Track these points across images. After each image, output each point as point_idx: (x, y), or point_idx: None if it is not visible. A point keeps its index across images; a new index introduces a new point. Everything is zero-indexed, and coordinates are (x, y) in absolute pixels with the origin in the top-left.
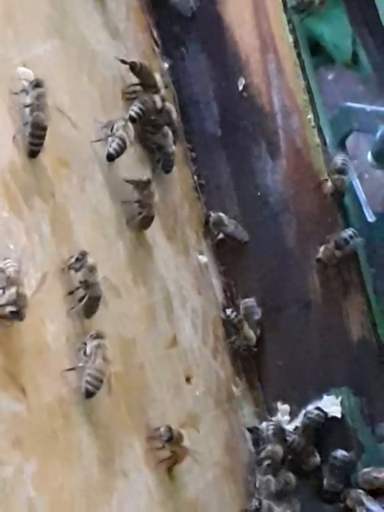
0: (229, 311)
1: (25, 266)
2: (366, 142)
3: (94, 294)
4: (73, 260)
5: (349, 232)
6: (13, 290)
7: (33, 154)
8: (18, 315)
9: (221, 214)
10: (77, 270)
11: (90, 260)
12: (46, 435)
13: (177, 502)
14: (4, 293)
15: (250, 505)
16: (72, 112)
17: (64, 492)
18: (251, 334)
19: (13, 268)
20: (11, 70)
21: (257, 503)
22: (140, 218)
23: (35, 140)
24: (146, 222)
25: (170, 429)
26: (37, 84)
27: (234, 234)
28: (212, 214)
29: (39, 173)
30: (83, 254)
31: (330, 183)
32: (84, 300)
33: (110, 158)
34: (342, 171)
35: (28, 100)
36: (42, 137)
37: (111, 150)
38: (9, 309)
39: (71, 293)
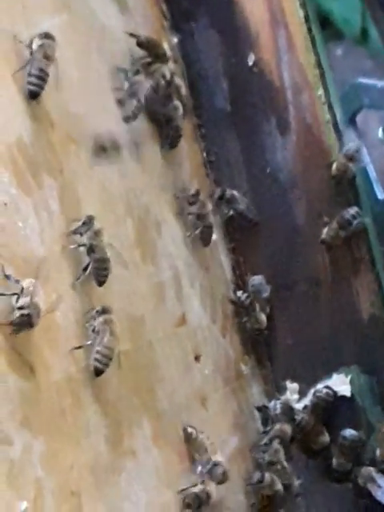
0: (239, 293)
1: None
2: (375, 117)
3: (99, 255)
4: (79, 224)
5: (351, 211)
6: (27, 298)
7: (32, 94)
8: (28, 319)
9: (234, 192)
10: (82, 235)
11: (96, 224)
12: (54, 414)
13: (185, 482)
14: (18, 299)
15: (253, 477)
16: (80, 87)
17: (72, 471)
18: (263, 317)
19: (29, 281)
20: (20, 46)
21: (259, 476)
22: (200, 231)
23: (36, 80)
24: (207, 234)
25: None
26: (46, 35)
27: (246, 213)
28: (227, 191)
29: (47, 149)
30: (90, 219)
31: (335, 166)
32: (88, 269)
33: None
34: (352, 159)
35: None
36: (43, 79)
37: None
38: (21, 312)
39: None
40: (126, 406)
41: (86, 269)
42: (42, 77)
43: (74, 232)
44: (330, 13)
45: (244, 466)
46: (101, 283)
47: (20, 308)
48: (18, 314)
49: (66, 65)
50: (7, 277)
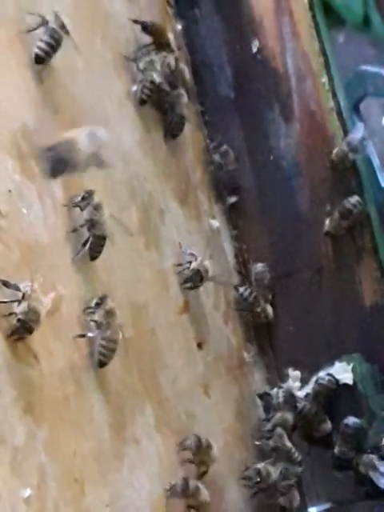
0: (242, 289)
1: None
2: (377, 105)
3: (98, 232)
4: (79, 198)
5: (352, 200)
6: (25, 303)
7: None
8: (25, 325)
9: (230, 151)
10: (82, 209)
11: (95, 198)
12: (57, 401)
13: (187, 469)
14: (18, 305)
15: (248, 473)
16: (85, 73)
17: (75, 458)
18: (269, 309)
19: (29, 288)
20: (24, 32)
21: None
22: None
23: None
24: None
25: (199, 439)
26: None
27: (232, 173)
28: (224, 145)
29: (52, 135)
30: (89, 193)
31: (335, 152)
32: (88, 243)
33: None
34: (355, 150)
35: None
36: (53, 47)
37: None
38: (19, 317)
39: (75, 230)
40: (129, 393)
41: (85, 244)
42: (53, 45)
43: (74, 205)
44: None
45: (246, 454)
46: (93, 258)
47: (18, 316)
48: (16, 321)
49: (70, 51)
50: (5, 284)
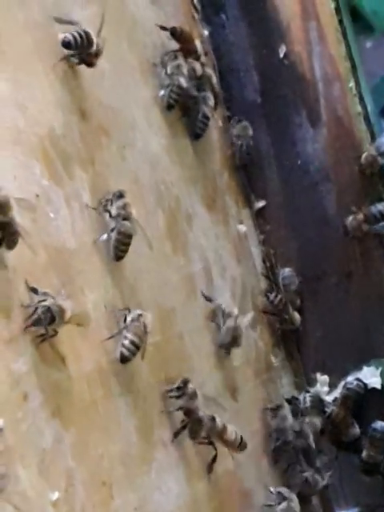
0: (271, 295)
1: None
2: None
3: (124, 229)
4: (109, 198)
5: (379, 207)
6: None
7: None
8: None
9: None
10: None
11: (125, 199)
12: (85, 405)
13: (215, 473)
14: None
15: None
16: (112, 78)
17: (103, 462)
18: (297, 316)
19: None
20: (51, 37)
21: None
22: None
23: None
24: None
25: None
26: None
27: (246, 148)
28: (244, 121)
29: (79, 140)
30: (121, 193)
31: (364, 156)
32: (113, 240)
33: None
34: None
35: None
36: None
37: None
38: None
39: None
40: (156, 397)
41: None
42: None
43: (103, 206)
44: (359, 5)
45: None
46: (118, 258)
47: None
48: (41, 311)
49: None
50: (34, 291)
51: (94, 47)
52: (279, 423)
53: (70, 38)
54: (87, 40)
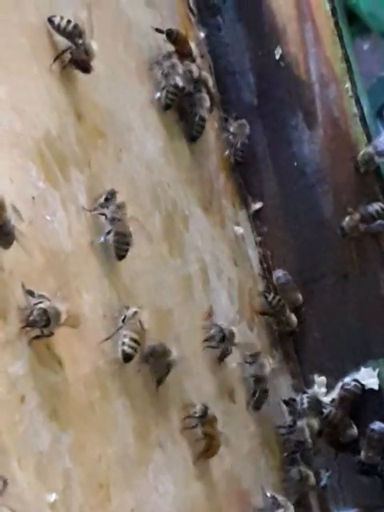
0: (270, 297)
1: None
2: None
3: (121, 229)
4: (102, 199)
5: (376, 206)
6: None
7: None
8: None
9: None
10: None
11: (119, 199)
12: (82, 407)
13: (213, 474)
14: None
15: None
16: (107, 81)
17: (100, 463)
18: (293, 318)
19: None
20: (47, 39)
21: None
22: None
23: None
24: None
25: (205, 407)
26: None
27: (240, 147)
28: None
29: (75, 143)
30: (112, 193)
31: (361, 154)
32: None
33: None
34: (381, 154)
35: None
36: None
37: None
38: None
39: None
40: (153, 399)
41: (108, 233)
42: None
43: (97, 207)
44: (356, 7)
45: (271, 459)
46: (120, 257)
47: (38, 309)
48: (36, 312)
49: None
50: (30, 293)
51: (86, 41)
52: (257, 370)
53: (58, 19)
54: (77, 29)
